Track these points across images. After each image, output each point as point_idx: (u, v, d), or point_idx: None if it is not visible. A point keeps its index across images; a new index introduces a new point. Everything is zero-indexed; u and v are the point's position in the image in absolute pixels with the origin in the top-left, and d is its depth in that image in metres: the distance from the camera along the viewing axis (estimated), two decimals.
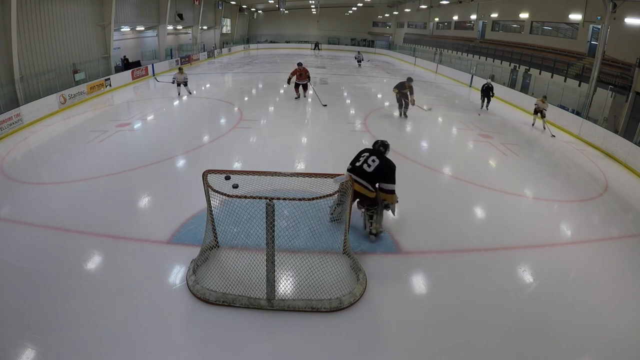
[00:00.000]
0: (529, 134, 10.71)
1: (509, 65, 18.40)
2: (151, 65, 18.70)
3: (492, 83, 13.52)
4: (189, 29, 26.80)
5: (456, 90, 17.84)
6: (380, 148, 4.81)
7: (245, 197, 3.53)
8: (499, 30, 22.65)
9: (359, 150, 4.85)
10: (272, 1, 33.01)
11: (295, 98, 12.89)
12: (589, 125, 10.54)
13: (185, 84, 13.14)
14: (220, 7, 29.88)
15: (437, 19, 30.80)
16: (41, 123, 10.28)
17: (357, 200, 4.65)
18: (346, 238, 4.27)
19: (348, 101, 14.00)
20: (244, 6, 35.20)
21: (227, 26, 34.47)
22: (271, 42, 39.10)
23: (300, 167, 7.39)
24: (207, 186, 3.77)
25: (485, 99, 13.08)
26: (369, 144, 6.07)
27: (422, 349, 3.36)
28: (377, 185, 4.57)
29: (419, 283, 4.23)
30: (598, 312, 3.91)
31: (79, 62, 14.17)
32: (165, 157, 7.53)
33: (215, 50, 28.60)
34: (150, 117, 10.88)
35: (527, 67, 16.92)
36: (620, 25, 12.15)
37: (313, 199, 3.57)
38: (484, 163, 8.25)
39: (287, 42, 38.75)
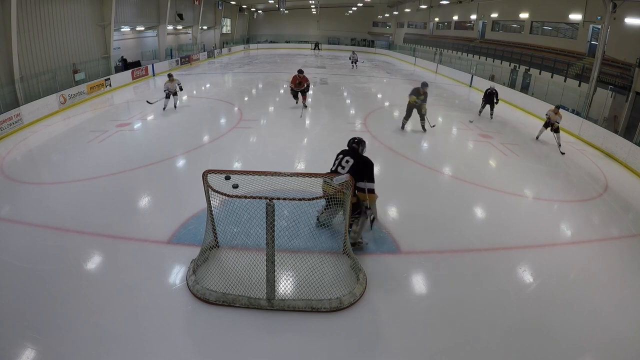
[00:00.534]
0: (532, 145, 10.66)
1: (509, 65, 18.41)
2: (151, 65, 18.71)
3: (497, 88, 11.86)
4: (189, 29, 26.81)
5: (456, 91, 17.86)
6: (353, 145, 4.51)
7: (245, 197, 3.53)
8: (499, 30, 22.66)
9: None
10: (272, 1, 33.03)
11: (296, 103, 12.85)
12: (589, 125, 10.54)
13: (176, 93, 11.35)
14: (220, 7, 29.90)
15: (437, 19, 30.82)
16: (41, 123, 10.29)
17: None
18: (346, 238, 4.25)
19: (348, 101, 14.00)
20: (244, 6, 35.23)
21: (227, 26, 34.49)
22: (271, 42, 39.13)
23: (300, 167, 7.39)
24: (207, 186, 3.77)
25: (488, 105, 11.70)
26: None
27: (422, 349, 3.36)
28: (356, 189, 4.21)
29: (419, 283, 4.23)
30: (598, 312, 3.91)
31: (79, 62, 14.18)
32: (165, 157, 7.54)
33: (215, 50, 28.62)
34: (150, 117, 10.87)
35: (527, 67, 16.93)
36: (620, 25, 12.16)
37: (313, 199, 3.58)
38: (484, 163, 8.26)
39: (287, 42, 38.78)
